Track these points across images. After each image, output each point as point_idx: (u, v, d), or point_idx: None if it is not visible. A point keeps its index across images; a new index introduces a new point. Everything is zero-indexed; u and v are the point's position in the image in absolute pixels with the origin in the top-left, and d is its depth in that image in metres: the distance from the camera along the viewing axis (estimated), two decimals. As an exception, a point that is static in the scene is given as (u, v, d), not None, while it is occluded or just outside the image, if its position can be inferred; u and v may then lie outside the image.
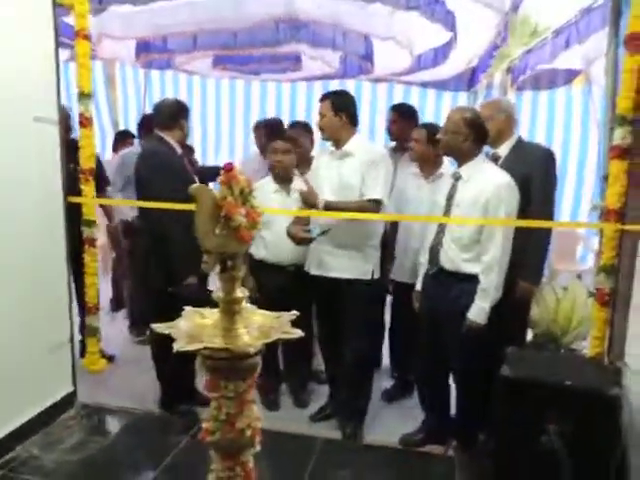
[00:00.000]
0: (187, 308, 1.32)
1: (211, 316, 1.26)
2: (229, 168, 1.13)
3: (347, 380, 2.94)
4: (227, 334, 1.18)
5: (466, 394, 2.67)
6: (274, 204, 3.06)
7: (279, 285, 3.02)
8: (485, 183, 2.42)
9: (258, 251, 3.11)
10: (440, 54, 4.70)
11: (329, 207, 2.68)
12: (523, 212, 2.49)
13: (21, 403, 2.60)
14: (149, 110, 6.15)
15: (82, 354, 3.26)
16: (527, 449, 2.12)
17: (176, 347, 1.10)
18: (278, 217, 2.99)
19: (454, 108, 2.87)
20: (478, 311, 2.41)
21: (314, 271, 2.86)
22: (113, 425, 2.91)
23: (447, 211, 2.58)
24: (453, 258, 2.50)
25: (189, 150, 3.56)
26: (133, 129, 6.45)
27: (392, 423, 3.03)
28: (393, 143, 3.69)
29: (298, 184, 3.00)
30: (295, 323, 2.97)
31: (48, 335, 2.77)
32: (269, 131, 3.87)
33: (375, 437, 2.91)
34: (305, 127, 3.65)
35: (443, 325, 2.56)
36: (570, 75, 5.25)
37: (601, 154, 3.12)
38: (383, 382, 3.54)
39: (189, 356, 1.21)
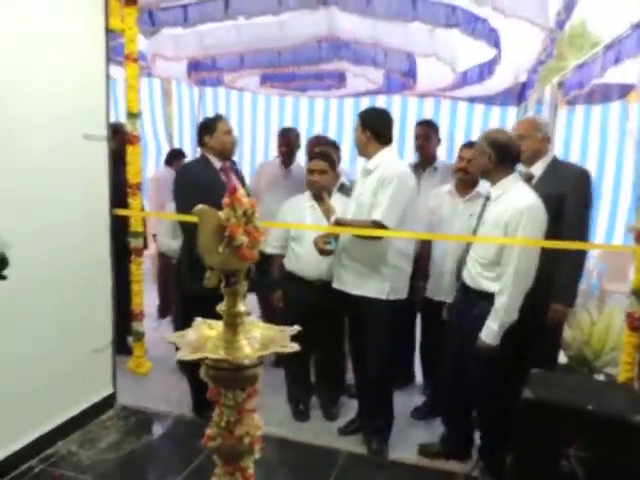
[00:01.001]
0: (198, 319, 1.41)
1: (218, 328, 1.35)
2: (233, 191, 1.22)
3: (367, 396, 2.98)
4: (229, 345, 1.26)
5: (482, 414, 2.66)
6: (307, 219, 3.16)
7: (306, 298, 3.11)
8: (508, 204, 2.42)
9: (289, 263, 3.21)
10: (485, 70, 4.68)
11: (338, 223, 2.80)
12: (556, 232, 2.48)
13: (64, 401, 2.79)
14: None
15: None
16: (548, 473, 2.09)
17: (178, 356, 1.19)
18: (307, 232, 3.08)
19: (485, 130, 2.88)
20: (487, 331, 2.41)
21: (335, 285, 2.95)
22: (149, 427, 3.05)
23: (475, 230, 2.60)
24: (474, 275, 2.52)
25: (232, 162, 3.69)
26: (187, 144, 6.79)
27: (419, 440, 3.02)
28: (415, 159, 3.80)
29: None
30: (325, 337, 3.12)
31: (92, 338, 2.96)
32: (284, 139, 4.24)
33: (401, 454, 2.91)
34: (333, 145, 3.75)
35: (465, 341, 2.55)
36: (624, 90, 5.09)
37: (638, 173, 3.04)
38: (415, 399, 3.54)
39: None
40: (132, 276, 3.19)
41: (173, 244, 3.26)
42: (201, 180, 2.91)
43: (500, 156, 2.45)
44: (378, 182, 2.74)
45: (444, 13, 3.58)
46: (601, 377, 2.94)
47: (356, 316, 2.92)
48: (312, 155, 3.40)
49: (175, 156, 5.45)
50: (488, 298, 2.44)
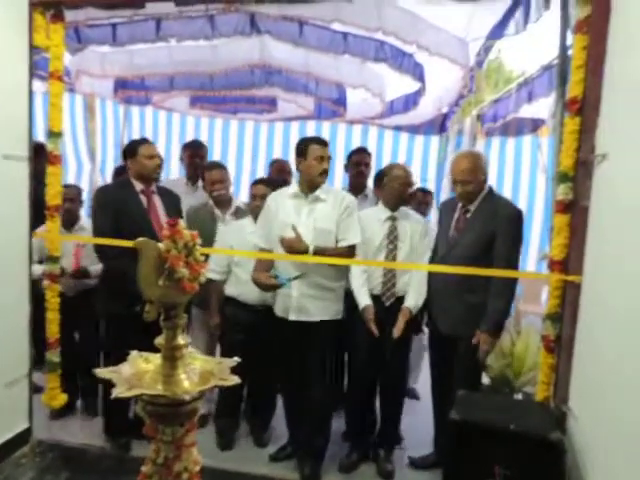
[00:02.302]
0: (133, 352, 1.37)
1: (154, 362, 1.32)
2: (173, 223, 1.21)
3: (309, 420, 2.97)
4: (167, 380, 1.24)
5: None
6: (251, 244, 3.12)
7: (247, 324, 3.09)
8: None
9: (230, 288, 3.18)
10: (410, 101, 4.91)
11: (317, 253, 2.78)
12: (486, 266, 2.65)
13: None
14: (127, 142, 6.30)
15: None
16: (474, 492, 2.18)
17: (115, 393, 1.15)
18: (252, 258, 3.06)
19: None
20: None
21: (294, 317, 2.86)
22: (66, 463, 2.87)
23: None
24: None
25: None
26: (110, 161, 6.56)
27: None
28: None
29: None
30: (261, 363, 3.10)
31: (6, 370, 2.76)
32: (196, 152, 4.06)
33: (332, 477, 2.93)
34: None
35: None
36: (536, 124, 5.49)
37: (548, 204, 3.29)
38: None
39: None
40: (47, 303, 3.02)
41: (37, 269, 3.15)
42: (117, 203, 2.94)
43: None
44: (337, 210, 2.87)
45: (373, 48, 3.73)
46: (519, 396, 3.12)
47: (300, 342, 2.90)
48: (255, 180, 3.41)
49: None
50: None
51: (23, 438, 2.89)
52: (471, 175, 2.79)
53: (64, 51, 2.98)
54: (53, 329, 3.04)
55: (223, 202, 3.47)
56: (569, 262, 2.38)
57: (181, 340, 1.27)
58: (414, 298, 2.98)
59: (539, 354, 2.74)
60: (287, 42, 3.53)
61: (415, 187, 3.56)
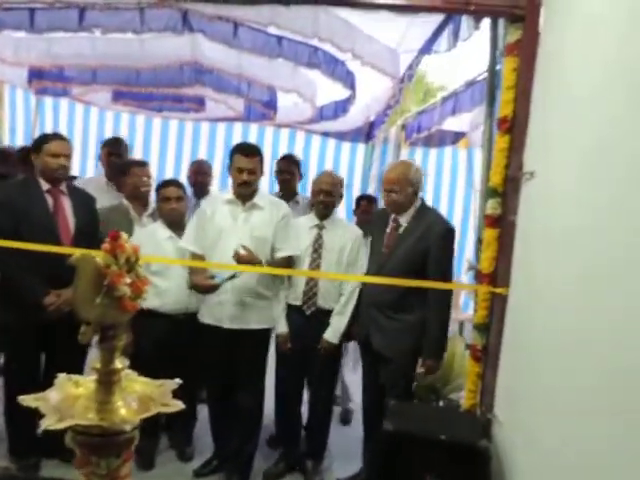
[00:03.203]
0: (60, 375, 1.25)
1: (85, 385, 1.21)
2: (115, 236, 1.12)
3: (240, 430, 2.90)
4: (102, 408, 1.13)
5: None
6: (168, 251, 3.01)
7: (167, 335, 2.96)
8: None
9: (149, 300, 3.00)
10: (340, 108, 4.95)
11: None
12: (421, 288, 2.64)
13: None
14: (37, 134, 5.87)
15: None
16: (407, 501, 2.21)
17: (44, 425, 1.04)
18: (171, 265, 2.93)
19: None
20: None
21: (228, 325, 2.80)
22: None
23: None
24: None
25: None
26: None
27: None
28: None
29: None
30: (184, 373, 2.97)
31: None
32: (114, 150, 3.91)
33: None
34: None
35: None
36: (457, 136, 5.73)
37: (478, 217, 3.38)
38: (270, 427, 3.53)
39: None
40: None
41: None
42: (19, 202, 2.75)
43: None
44: (274, 218, 2.85)
45: (307, 53, 3.72)
46: (443, 403, 3.21)
47: (229, 350, 2.83)
48: (164, 182, 3.27)
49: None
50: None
51: None
52: (398, 184, 2.75)
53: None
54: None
55: (142, 201, 3.34)
56: (497, 274, 2.48)
57: (119, 363, 1.17)
58: (335, 325, 2.95)
59: (464, 361, 2.83)
60: (220, 42, 3.43)
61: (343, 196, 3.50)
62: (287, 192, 3.78)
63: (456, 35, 3.27)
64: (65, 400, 1.17)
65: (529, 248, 2.22)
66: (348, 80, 4.19)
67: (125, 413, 1.14)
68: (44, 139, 2.86)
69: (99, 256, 1.13)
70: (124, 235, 1.14)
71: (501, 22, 2.70)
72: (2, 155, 3.74)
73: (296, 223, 3.14)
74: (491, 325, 2.51)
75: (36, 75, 4.34)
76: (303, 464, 3.12)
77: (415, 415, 2.44)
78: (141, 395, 1.22)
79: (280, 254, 2.84)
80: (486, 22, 2.92)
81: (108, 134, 6.17)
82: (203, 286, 2.75)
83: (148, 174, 3.38)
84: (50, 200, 2.82)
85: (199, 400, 3.29)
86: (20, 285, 2.73)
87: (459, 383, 2.89)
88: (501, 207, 2.46)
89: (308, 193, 3.71)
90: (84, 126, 6.06)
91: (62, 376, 1.26)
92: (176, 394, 3.15)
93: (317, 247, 3.00)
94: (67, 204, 2.86)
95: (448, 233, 2.77)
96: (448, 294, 2.74)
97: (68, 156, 2.85)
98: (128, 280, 1.13)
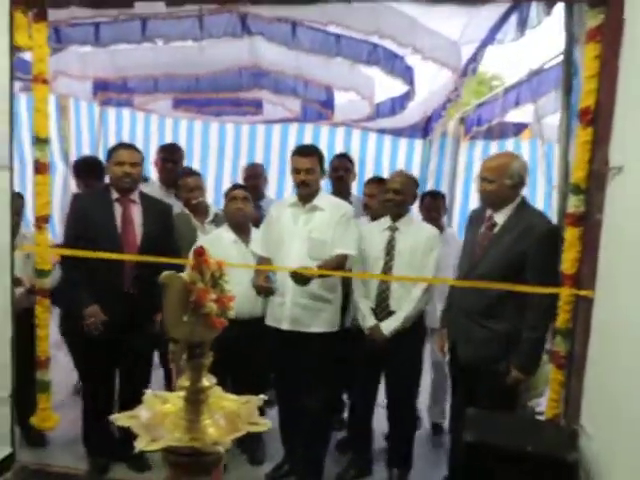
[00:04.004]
0: (147, 392, 1.24)
1: (173, 402, 1.19)
2: (200, 252, 1.09)
3: (307, 435, 2.87)
4: (192, 426, 1.11)
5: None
6: (232, 255, 3.01)
7: (234, 339, 2.92)
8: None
9: (215, 306, 3.03)
10: (398, 104, 4.84)
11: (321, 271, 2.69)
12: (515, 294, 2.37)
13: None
14: (103, 146, 6.04)
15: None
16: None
17: (138, 447, 1.02)
18: (236, 270, 2.93)
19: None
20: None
21: (286, 326, 2.78)
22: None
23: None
24: None
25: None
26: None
27: None
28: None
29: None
30: (252, 376, 2.98)
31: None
32: (169, 156, 3.92)
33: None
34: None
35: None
36: (519, 128, 5.51)
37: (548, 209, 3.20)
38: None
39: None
40: (37, 319, 2.83)
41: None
42: (87, 210, 2.84)
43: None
44: (334, 219, 2.78)
45: (366, 50, 3.65)
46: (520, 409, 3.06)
47: (295, 353, 2.80)
48: (234, 185, 3.32)
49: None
50: None
51: (6, 464, 2.70)
52: (494, 174, 2.48)
53: (48, 52, 2.79)
54: (43, 347, 2.85)
55: (199, 210, 3.35)
56: (581, 276, 2.33)
57: (206, 382, 1.15)
58: (394, 320, 2.84)
59: (545, 367, 2.68)
60: (280, 44, 3.42)
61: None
62: (342, 191, 3.68)
63: (524, 23, 3.12)
64: (154, 418, 1.16)
65: (619, 249, 2.07)
66: (407, 75, 4.09)
67: (214, 432, 1.12)
68: (113, 148, 2.92)
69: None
70: (208, 250, 1.10)
71: (577, 7, 2.54)
72: (87, 165, 3.83)
73: (367, 227, 3.12)
74: (575, 330, 2.36)
75: (101, 87, 4.47)
76: (389, 472, 3.05)
77: (496, 425, 2.31)
78: (228, 412, 1.19)
79: (334, 251, 2.77)
80: (558, 7, 2.77)
81: (168, 141, 6.34)
82: (260, 287, 2.75)
83: (197, 184, 3.37)
84: (119, 209, 2.86)
85: (268, 404, 3.28)
86: (70, 295, 2.82)
87: (540, 390, 2.74)
88: (584, 205, 2.30)
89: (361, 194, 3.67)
90: (145, 134, 6.21)
91: (149, 393, 1.25)
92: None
93: (389, 249, 2.91)
94: (137, 213, 2.89)
95: (551, 233, 2.44)
96: (551, 302, 2.39)
97: (135, 164, 2.85)
98: (214, 296, 1.10)
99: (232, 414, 1.19)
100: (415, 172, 6.19)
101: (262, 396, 1.24)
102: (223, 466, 1.17)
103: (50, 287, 2.87)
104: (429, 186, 5.80)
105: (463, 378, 2.70)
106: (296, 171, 2.79)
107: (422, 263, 2.89)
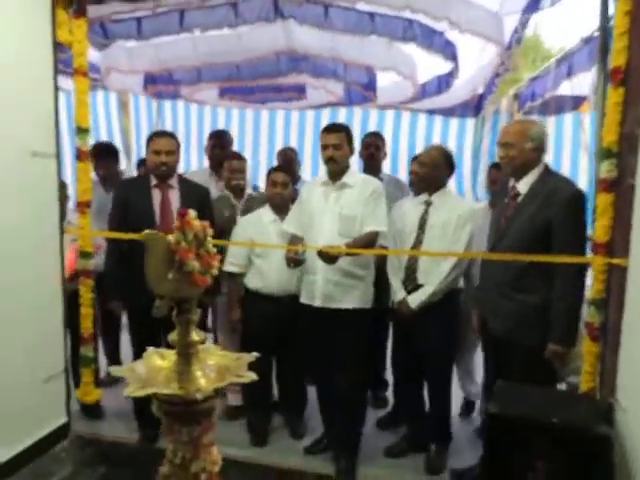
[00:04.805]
0: (149, 349, 1.33)
1: (170, 357, 1.27)
2: (183, 213, 1.16)
3: (342, 412, 2.92)
4: (182, 378, 1.19)
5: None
6: (272, 234, 3.10)
7: (272, 315, 3.05)
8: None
9: (253, 281, 3.13)
10: (443, 83, 4.74)
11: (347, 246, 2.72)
12: (544, 262, 2.30)
13: (14, 434, 2.63)
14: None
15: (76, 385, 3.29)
16: (514, 488, 2.08)
17: (127, 392, 1.11)
18: (274, 248, 3.02)
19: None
20: None
21: (319, 303, 2.82)
22: (105, 458, 2.89)
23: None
24: None
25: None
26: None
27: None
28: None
29: None
30: (287, 354, 3.07)
31: (43, 366, 2.81)
32: (217, 142, 4.04)
33: (371, 469, 2.88)
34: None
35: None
36: (577, 101, 5.23)
37: (592, 184, 3.05)
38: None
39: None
40: (81, 298, 3.05)
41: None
42: (128, 196, 2.98)
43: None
44: (363, 196, 2.80)
45: (402, 27, 3.60)
46: (563, 386, 2.97)
47: (329, 330, 2.84)
48: (273, 168, 3.40)
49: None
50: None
51: (62, 432, 2.94)
52: (514, 138, 2.42)
53: (88, 47, 2.98)
54: (87, 325, 3.07)
55: (238, 192, 3.46)
56: (614, 244, 2.22)
57: (195, 336, 1.22)
58: (421, 293, 2.83)
59: (582, 341, 2.58)
60: (312, 26, 3.45)
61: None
62: (373, 169, 3.66)
63: (563, -15, 2.99)
64: (150, 371, 1.25)
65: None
66: (448, 51, 4.00)
67: (203, 383, 1.19)
68: (150, 137, 3.05)
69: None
70: (192, 212, 1.17)
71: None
72: (103, 149, 4.04)
73: (402, 203, 3.13)
74: (609, 300, 2.26)
75: (150, 80, 4.68)
76: (427, 447, 3.03)
77: (525, 397, 2.26)
78: (220, 366, 1.26)
79: (364, 229, 2.78)
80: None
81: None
82: (289, 259, 2.79)
83: (240, 167, 3.47)
84: (158, 195, 3.00)
85: (311, 381, 3.36)
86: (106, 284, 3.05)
87: (577, 365, 2.65)
88: (616, 169, 2.20)
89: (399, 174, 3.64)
90: (199, 124, 6.43)
91: (150, 349, 1.33)
92: (286, 374, 3.26)
93: (422, 223, 2.91)
94: (175, 198, 3.01)
95: (575, 199, 2.33)
96: (579, 269, 2.32)
97: (170, 152, 2.95)
98: (196, 255, 1.16)
99: (223, 368, 1.26)
100: (468, 150, 6.09)
101: (254, 353, 1.30)
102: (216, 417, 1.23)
103: (94, 269, 3.07)
104: (482, 166, 5.66)
105: (496, 354, 2.65)
106: (324, 147, 2.83)
107: (453, 238, 2.85)
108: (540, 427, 2.06)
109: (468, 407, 3.62)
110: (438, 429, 3.03)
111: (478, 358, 3.42)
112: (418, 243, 2.90)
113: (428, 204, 2.94)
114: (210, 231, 1.23)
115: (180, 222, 1.17)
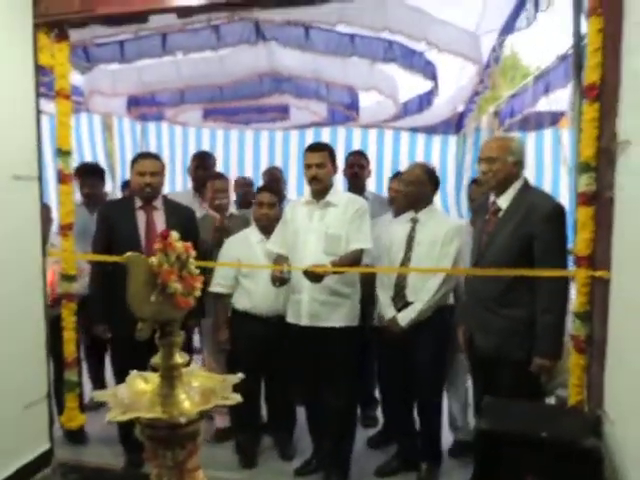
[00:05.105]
0: (132, 372, 1.31)
1: (154, 381, 1.26)
2: (165, 235, 1.15)
3: (332, 430, 2.89)
4: (165, 401, 1.17)
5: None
6: (259, 254, 3.11)
7: (261, 336, 3.03)
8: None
9: (241, 302, 3.12)
10: (424, 101, 4.82)
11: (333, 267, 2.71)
12: (526, 277, 2.33)
13: (-5, 462, 2.56)
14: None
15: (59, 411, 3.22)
16: (506, 504, 2.06)
17: (108, 417, 1.09)
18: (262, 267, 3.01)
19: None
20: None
21: (306, 322, 2.82)
22: (89, 485, 2.86)
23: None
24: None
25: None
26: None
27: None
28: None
29: None
30: (279, 374, 3.04)
31: (25, 392, 2.75)
32: (200, 163, 4.07)
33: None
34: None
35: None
36: (556, 117, 5.33)
37: (572, 198, 3.10)
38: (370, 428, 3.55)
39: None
40: (64, 322, 3.01)
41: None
42: (112, 219, 2.97)
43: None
44: (348, 214, 2.81)
45: (382, 48, 3.66)
46: (552, 400, 2.97)
47: (316, 349, 2.83)
48: (259, 188, 3.42)
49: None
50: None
51: (44, 459, 2.87)
52: (496, 152, 2.45)
53: (70, 70, 2.99)
54: (70, 348, 3.03)
55: (222, 211, 3.46)
56: (595, 257, 2.25)
57: (179, 358, 1.21)
58: (411, 311, 2.83)
59: (570, 354, 2.59)
60: (294, 47, 3.49)
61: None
62: (357, 188, 3.70)
63: (536, 6, 3.06)
64: (133, 395, 1.23)
65: (632, 225, 1.99)
66: (428, 71, 4.06)
67: (187, 406, 1.17)
68: (134, 158, 3.06)
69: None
70: (174, 234, 1.17)
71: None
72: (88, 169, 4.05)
73: (394, 220, 3.16)
74: (593, 313, 2.28)
75: (133, 103, 4.69)
76: (418, 465, 2.99)
77: (513, 412, 2.26)
78: (204, 389, 1.25)
79: (350, 247, 2.79)
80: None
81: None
82: (274, 277, 2.79)
83: (223, 187, 3.50)
84: (143, 216, 2.98)
85: (300, 401, 3.33)
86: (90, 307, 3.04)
87: (565, 378, 2.65)
88: (595, 183, 2.23)
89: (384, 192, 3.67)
90: (183, 146, 6.43)
91: (133, 373, 1.32)
92: (275, 395, 3.23)
93: (409, 240, 2.93)
94: (160, 219, 3.00)
95: (556, 213, 2.38)
96: (562, 283, 2.35)
97: (155, 173, 2.95)
98: (179, 277, 1.16)
99: (208, 390, 1.24)
100: (451, 167, 6.16)
101: (239, 374, 1.28)
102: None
103: (77, 293, 3.04)
104: (465, 181, 5.72)
105: (483, 370, 2.64)
106: (307, 167, 2.85)
107: (441, 254, 2.87)
108: (529, 442, 2.06)
109: (458, 448, 3.26)
110: (429, 447, 3.00)
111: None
112: (406, 260, 2.91)
113: (415, 221, 2.96)
114: (193, 253, 1.22)
115: (162, 243, 1.16)
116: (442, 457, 3.05)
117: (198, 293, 1.20)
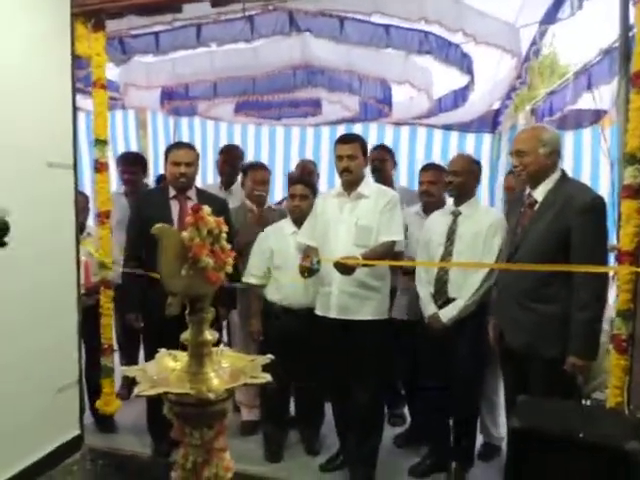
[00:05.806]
0: (161, 350, 1.30)
1: (182, 359, 1.24)
2: (196, 209, 1.13)
3: (359, 427, 2.84)
4: (194, 378, 1.15)
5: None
6: (291, 246, 3.08)
7: (291, 329, 3.00)
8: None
9: (271, 294, 3.11)
10: (459, 97, 4.71)
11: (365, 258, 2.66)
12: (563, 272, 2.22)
13: (26, 446, 2.60)
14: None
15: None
16: (540, 506, 1.98)
17: (136, 391, 1.07)
18: (292, 260, 2.99)
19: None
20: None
21: (334, 314, 2.78)
22: (117, 470, 2.86)
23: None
24: None
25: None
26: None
27: (405, 467, 2.97)
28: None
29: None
30: (309, 367, 3.00)
31: (57, 375, 2.79)
32: (227, 157, 4.03)
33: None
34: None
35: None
36: (597, 115, 5.16)
37: (614, 196, 2.98)
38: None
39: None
40: (101, 308, 3.04)
41: None
42: (147, 208, 2.97)
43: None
44: (379, 207, 2.77)
45: (417, 39, 3.59)
46: (588, 403, 2.86)
47: (345, 343, 2.78)
48: (293, 180, 3.39)
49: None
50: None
51: (74, 445, 2.90)
52: (527, 145, 2.36)
53: (106, 61, 3.01)
54: (107, 334, 3.06)
55: (260, 203, 3.44)
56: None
57: (208, 335, 1.19)
58: (453, 308, 2.76)
59: (607, 355, 2.49)
60: (328, 39, 3.45)
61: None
62: (382, 182, 3.61)
63: (580, -3, 2.96)
64: (162, 372, 1.21)
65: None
66: (464, 64, 3.97)
67: (216, 383, 1.15)
68: (168, 148, 3.06)
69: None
70: (206, 208, 1.14)
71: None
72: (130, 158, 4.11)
73: (433, 214, 3.06)
74: (636, 311, 2.18)
75: (167, 96, 4.72)
76: (448, 465, 2.90)
77: (549, 412, 2.17)
78: (234, 368, 1.22)
79: (380, 239, 2.74)
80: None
81: (237, 147, 6.57)
82: (301, 267, 2.74)
83: (263, 178, 3.48)
84: (176, 206, 2.98)
85: (327, 396, 3.29)
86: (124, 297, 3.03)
87: (603, 379, 2.55)
88: (642, 174, 2.14)
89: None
90: (215, 141, 6.46)
91: (162, 350, 1.30)
92: (303, 389, 3.18)
93: (450, 234, 2.84)
94: (189, 208, 3.00)
95: (593, 205, 2.26)
96: (600, 279, 2.24)
97: (189, 164, 2.95)
98: (210, 252, 1.13)
99: (237, 370, 1.22)
100: (485, 167, 6.01)
101: (269, 355, 1.25)
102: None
103: (113, 280, 3.06)
104: (498, 182, 5.59)
105: (514, 367, 2.56)
106: (339, 158, 2.81)
107: (485, 248, 2.77)
108: (566, 443, 1.98)
109: (488, 451, 3.19)
110: (463, 448, 2.92)
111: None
112: (447, 255, 2.82)
113: (456, 214, 2.87)
114: (225, 227, 1.20)
115: (194, 218, 1.14)
116: (473, 462, 2.95)
117: (230, 269, 1.18)
